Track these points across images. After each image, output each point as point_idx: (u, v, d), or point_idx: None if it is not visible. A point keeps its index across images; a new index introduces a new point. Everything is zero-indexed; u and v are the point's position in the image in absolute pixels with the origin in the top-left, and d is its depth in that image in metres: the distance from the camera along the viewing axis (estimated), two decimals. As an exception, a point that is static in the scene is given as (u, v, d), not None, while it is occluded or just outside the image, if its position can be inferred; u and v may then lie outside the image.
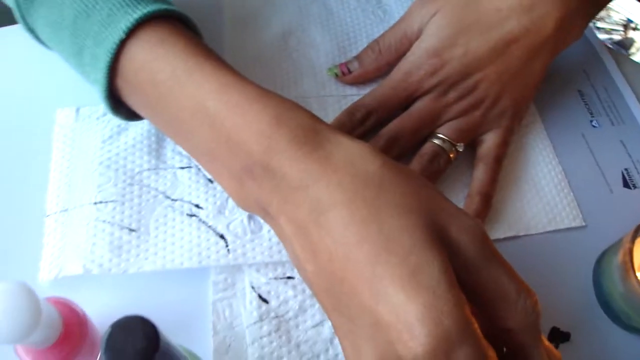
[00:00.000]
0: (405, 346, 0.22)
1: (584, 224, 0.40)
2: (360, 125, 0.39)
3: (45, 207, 0.36)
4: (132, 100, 0.32)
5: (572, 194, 0.41)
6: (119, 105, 0.34)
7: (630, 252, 0.34)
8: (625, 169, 0.43)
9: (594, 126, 0.45)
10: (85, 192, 0.36)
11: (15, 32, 0.40)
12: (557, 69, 0.46)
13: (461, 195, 0.40)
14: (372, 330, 0.23)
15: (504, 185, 0.41)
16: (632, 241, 0.35)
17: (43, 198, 0.37)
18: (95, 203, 0.36)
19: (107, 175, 0.37)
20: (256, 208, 0.29)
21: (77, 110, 0.40)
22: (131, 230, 0.35)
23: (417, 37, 0.41)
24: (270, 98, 0.29)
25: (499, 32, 0.39)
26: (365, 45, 0.45)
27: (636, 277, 0.34)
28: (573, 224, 0.40)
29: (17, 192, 0.37)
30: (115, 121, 0.39)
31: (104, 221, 0.35)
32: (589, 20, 0.43)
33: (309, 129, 0.27)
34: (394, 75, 0.40)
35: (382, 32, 0.44)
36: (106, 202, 0.36)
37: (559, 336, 0.36)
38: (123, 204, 0.36)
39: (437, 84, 0.39)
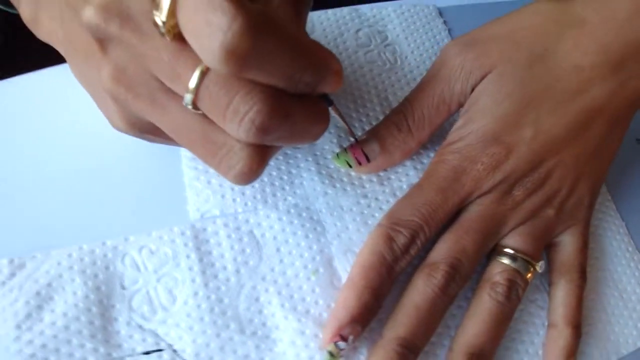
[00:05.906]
0: None
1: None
2: (404, 254, 0.27)
3: None
4: None
5: (661, 293, 0.32)
6: None
7: None
8: None
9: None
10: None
11: None
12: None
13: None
14: None
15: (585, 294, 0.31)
16: None
17: None
18: None
19: (31, 388, 0.23)
20: None
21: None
22: None
23: (459, 104, 0.30)
24: None
25: (582, 101, 0.28)
26: (373, 100, 0.33)
27: None
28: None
29: None
30: (30, 286, 0.25)
31: None
32: None
33: None
34: (437, 170, 0.28)
35: (394, 79, 0.33)
36: None
37: None
38: None
39: (500, 181, 0.28)
